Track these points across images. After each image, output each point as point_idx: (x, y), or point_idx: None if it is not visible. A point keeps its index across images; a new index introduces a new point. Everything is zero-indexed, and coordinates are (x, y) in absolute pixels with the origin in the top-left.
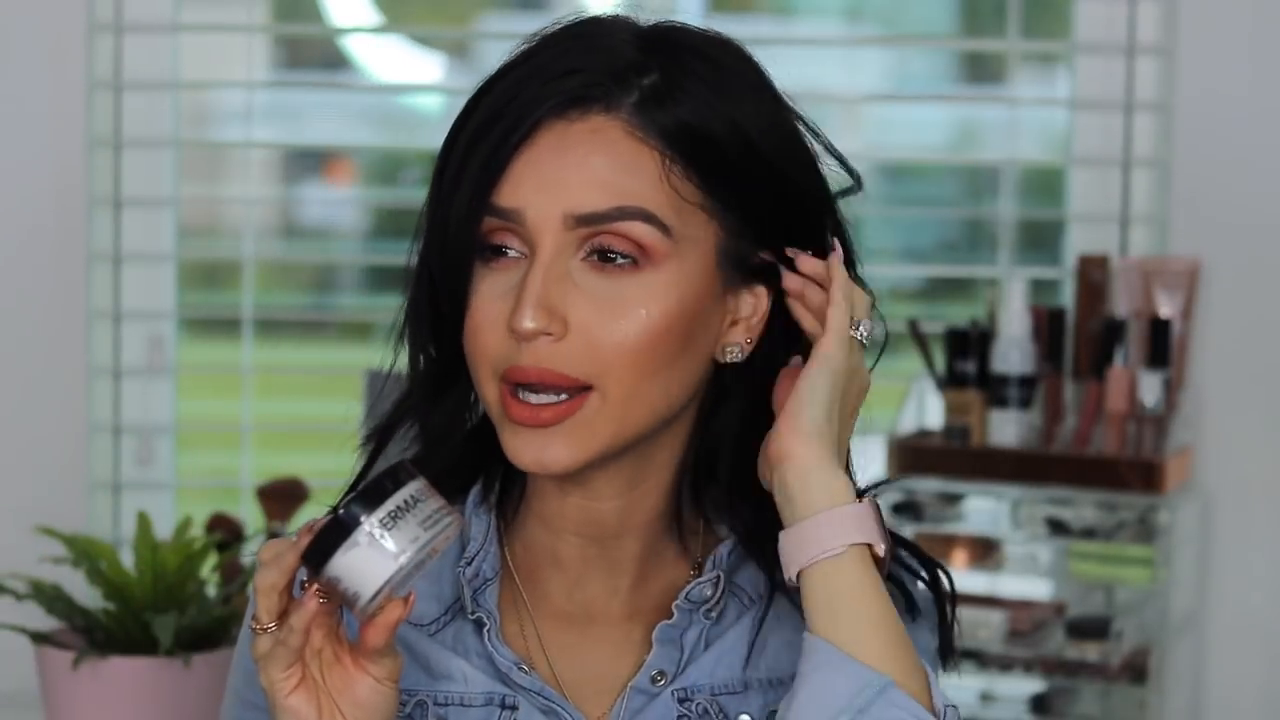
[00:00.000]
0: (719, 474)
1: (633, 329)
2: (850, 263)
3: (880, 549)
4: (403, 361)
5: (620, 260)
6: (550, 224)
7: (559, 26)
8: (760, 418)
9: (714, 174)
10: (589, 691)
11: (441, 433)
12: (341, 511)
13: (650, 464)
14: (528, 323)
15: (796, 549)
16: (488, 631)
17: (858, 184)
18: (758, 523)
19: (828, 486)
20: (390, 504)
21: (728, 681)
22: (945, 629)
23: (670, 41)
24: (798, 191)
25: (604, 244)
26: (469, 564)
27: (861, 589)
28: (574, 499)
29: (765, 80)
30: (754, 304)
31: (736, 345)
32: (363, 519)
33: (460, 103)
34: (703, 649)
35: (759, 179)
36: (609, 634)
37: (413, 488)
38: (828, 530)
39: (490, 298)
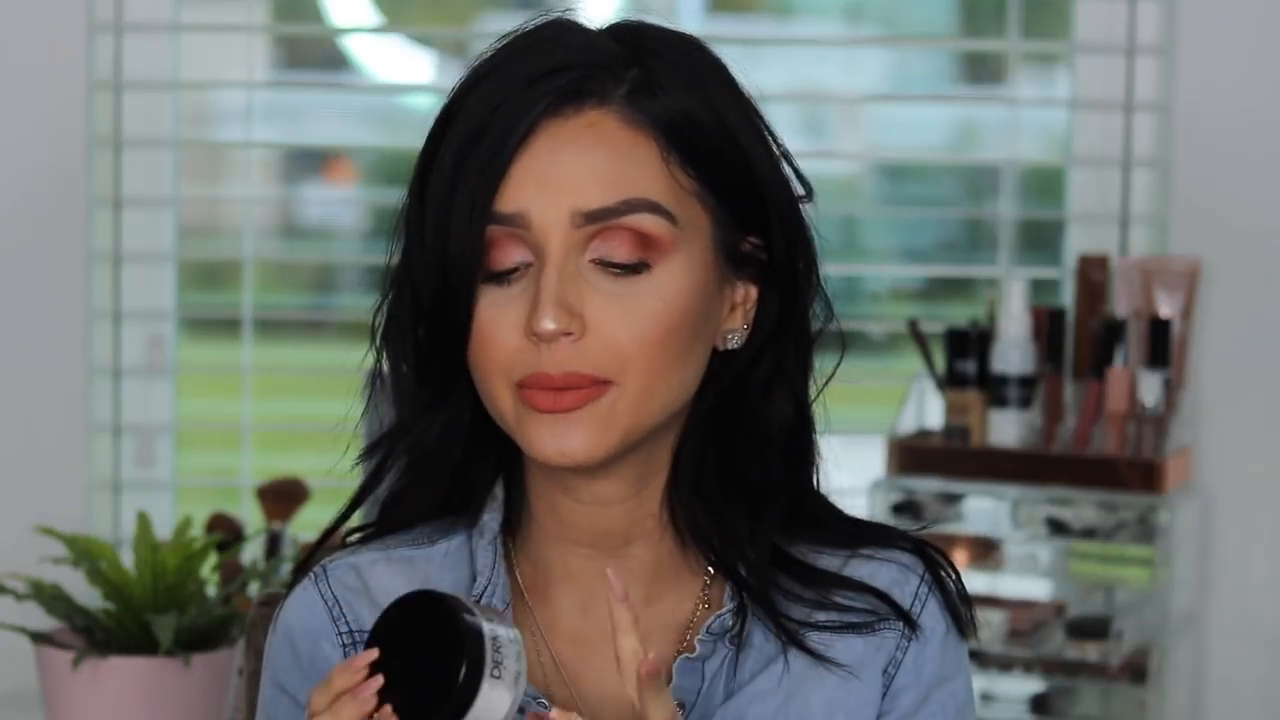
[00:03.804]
0: (705, 470)
1: (650, 324)
2: (812, 264)
3: None
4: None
5: (625, 271)
6: (558, 223)
7: (521, 33)
8: (741, 409)
9: (704, 161)
10: (607, 716)
11: (435, 456)
12: (460, 684)
13: (655, 462)
14: (549, 324)
15: None
16: None
17: (809, 193)
18: (729, 532)
19: None
20: (491, 663)
21: None
22: (950, 599)
23: (642, 35)
24: (767, 184)
25: (608, 255)
26: (478, 600)
27: None
28: (584, 506)
29: (733, 76)
30: (745, 291)
31: (735, 331)
32: (481, 685)
33: None
34: (725, 683)
35: (740, 168)
36: None
37: (490, 630)
38: None
39: (496, 306)
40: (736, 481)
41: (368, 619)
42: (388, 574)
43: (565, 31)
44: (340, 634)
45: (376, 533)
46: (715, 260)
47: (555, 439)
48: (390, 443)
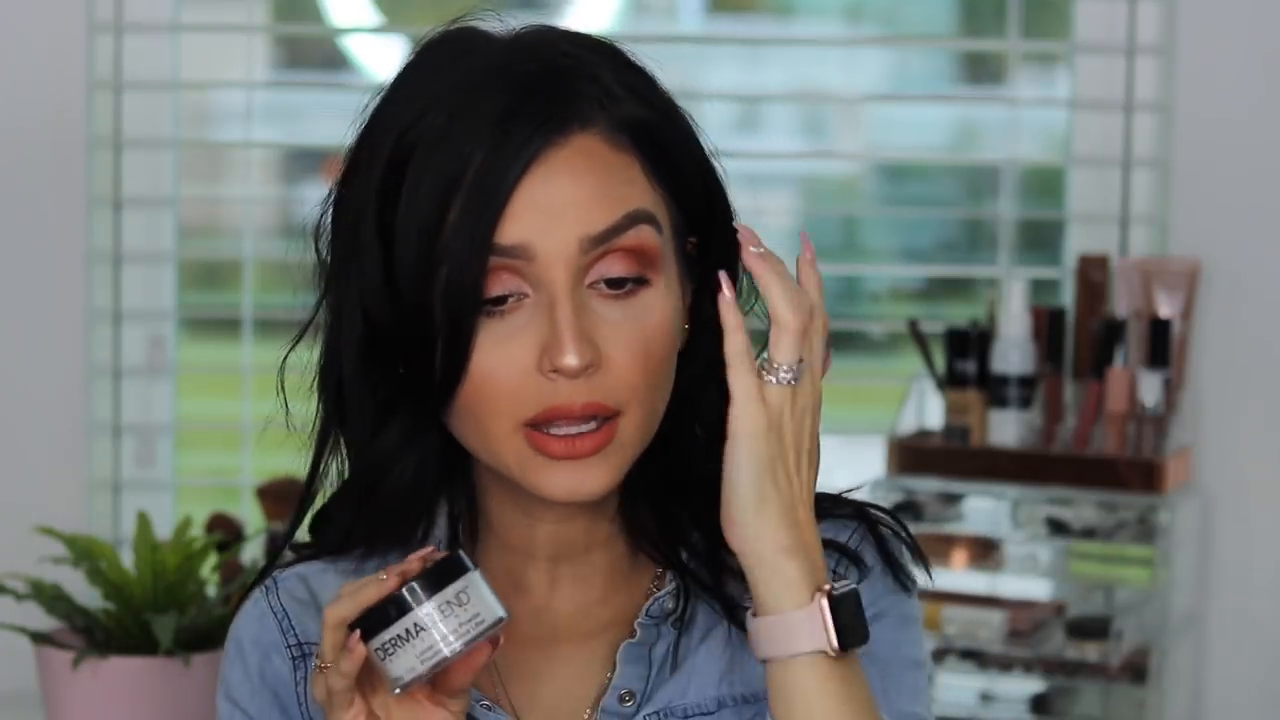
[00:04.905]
0: (648, 469)
1: (647, 347)
2: (734, 253)
3: (833, 649)
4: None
5: (630, 285)
6: (563, 253)
7: (453, 52)
8: (679, 406)
9: (668, 168)
10: (559, 716)
11: (409, 499)
12: (395, 597)
13: None
14: (573, 359)
15: (754, 643)
16: None
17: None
18: (672, 525)
19: (770, 586)
20: (412, 618)
21: (700, 702)
22: (888, 552)
23: (579, 45)
24: (713, 178)
25: (610, 272)
26: None
27: (810, 694)
28: (546, 525)
29: (650, 70)
30: (687, 291)
31: (681, 333)
32: (406, 613)
33: None
34: (671, 665)
35: (688, 165)
36: (574, 654)
37: (458, 586)
38: (776, 635)
39: (495, 341)
40: (679, 475)
41: (314, 631)
42: (335, 584)
43: (512, 49)
44: (289, 646)
45: (328, 553)
46: (679, 268)
47: (571, 481)
48: (357, 489)
